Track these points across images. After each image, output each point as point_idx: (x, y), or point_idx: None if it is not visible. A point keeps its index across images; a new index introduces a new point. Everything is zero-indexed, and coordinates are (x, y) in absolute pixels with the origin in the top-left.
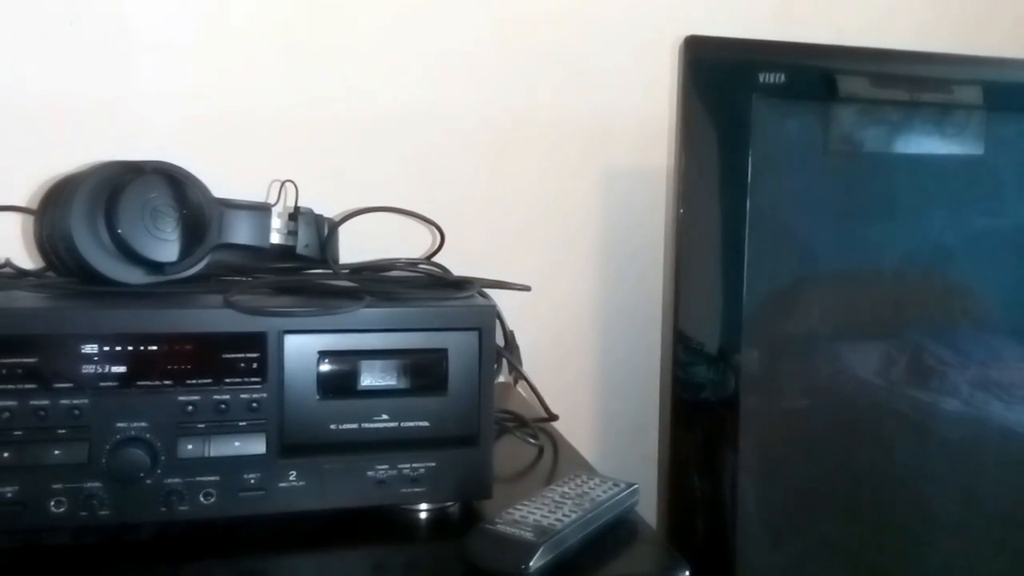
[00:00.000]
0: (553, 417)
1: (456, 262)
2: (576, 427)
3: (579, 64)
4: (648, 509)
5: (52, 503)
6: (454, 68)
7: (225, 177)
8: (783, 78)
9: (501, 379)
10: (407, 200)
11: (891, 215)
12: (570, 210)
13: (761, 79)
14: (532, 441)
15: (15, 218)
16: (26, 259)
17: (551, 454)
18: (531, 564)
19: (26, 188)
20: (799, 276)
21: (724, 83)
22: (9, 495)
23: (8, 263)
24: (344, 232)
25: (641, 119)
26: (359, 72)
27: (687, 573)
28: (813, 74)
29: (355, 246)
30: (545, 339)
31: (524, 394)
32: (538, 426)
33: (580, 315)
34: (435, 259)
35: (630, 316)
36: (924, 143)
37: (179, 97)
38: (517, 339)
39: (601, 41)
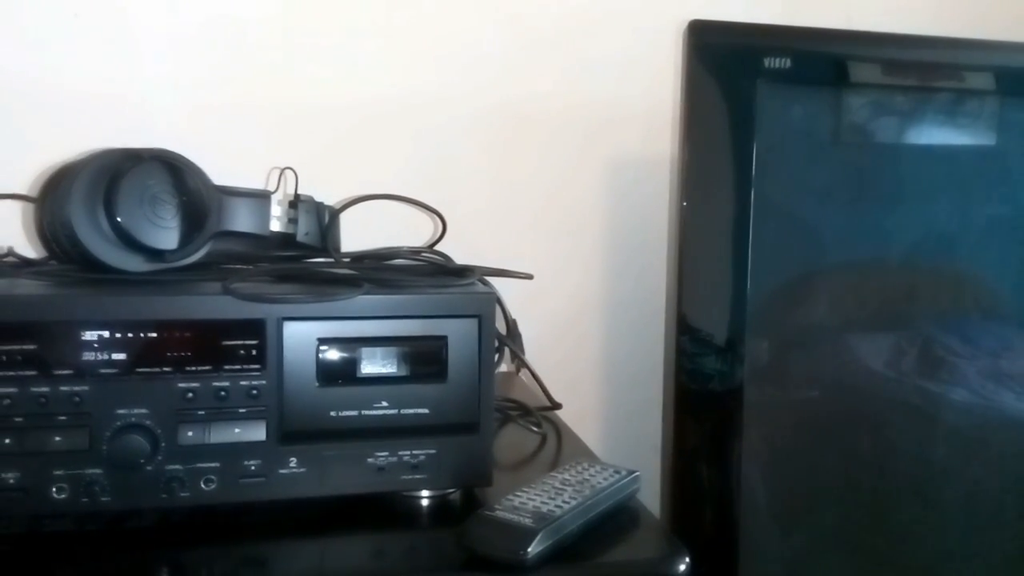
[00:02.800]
0: (556, 405)
1: (461, 251)
2: (580, 416)
3: (585, 51)
4: (652, 497)
5: (53, 489)
6: (458, 56)
7: (225, 165)
8: (788, 63)
9: (504, 368)
10: (411, 189)
11: (900, 204)
12: (576, 199)
13: (766, 64)
14: (535, 429)
15: (18, 207)
16: (29, 248)
17: (554, 442)
18: (529, 550)
19: (29, 176)
20: (805, 266)
21: (729, 68)
22: (11, 481)
23: (11, 252)
24: (347, 221)
25: (649, 107)
26: (361, 60)
27: (687, 560)
28: (819, 59)
29: (358, 235)
30: (550, 328)
31: (528, 382)
32: (542, 414)
33: (585, 304)
34: (438, 248)
35: (635, 305)
36: (934, 130)
37: (180, 86)
38: (522, 328)
39: (608, 28)
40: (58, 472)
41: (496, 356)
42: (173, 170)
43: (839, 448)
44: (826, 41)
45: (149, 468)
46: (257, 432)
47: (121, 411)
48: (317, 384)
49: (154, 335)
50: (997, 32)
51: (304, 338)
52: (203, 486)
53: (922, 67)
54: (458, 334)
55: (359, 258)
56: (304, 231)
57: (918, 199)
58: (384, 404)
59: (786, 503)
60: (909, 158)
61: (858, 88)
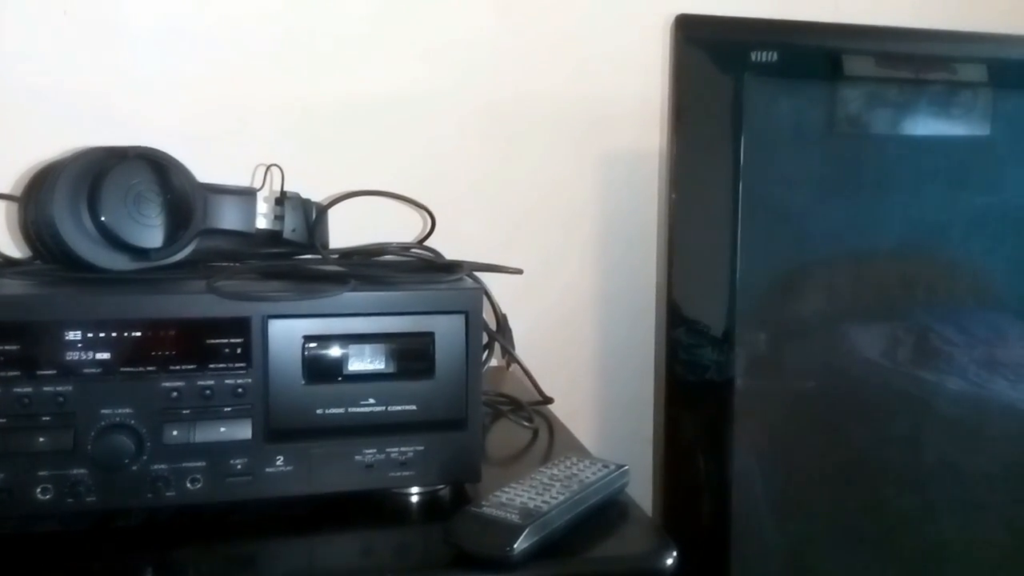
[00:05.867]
0: (548, 400)
1: (452, 248)
2: (573, 410)
3: (574, 47)
4: (645, 491)
5: (38, 490)
6: (448, 52)
7: (210, 162)
8: (775, 56)
9: (494, 363)
10: (401, 186)
11: (890, 195)
12: (566, 194)
13: (753, 58)
14: (527, 424)
15: (2, 206)
16: (13, 247)
17: (546, 437)
18: (515, 546)
19: (13, 175)
20: (797, 257)
21: (716, 62)
22: None
23: None
24: (336, 218)
25: (640, 102)
26: (351, 57)
27: (675, 554)
28: (806, 52)
29: (347, 232)
30: (542, 323)
31: (520, 378)
32: (534, 409)
33: (577, 299)
34: (429, 244)
35: (627, 299)
36: (923, 121)
37: (166, 84)
38: (513, 323)
39: (597, 23)
40: (43, 473)
41: (486, 351)
42: (157, 168)
43: (833, 438)
44: (813, 34)
45: (134, 468)
46: (243, 431)
47: (105, 411)
48: (303, 382)
49: (138, 334)
50: (983, 23)
51: (290, 336)
52: (189, 485)
53: (910, 59)
54: (445, 330)
55: (347, 255)
56: (291, 228)
57: (908, 190)
58: (371, 401)
59: (780, 494)
60: (898, 149)
61: (846, 80)
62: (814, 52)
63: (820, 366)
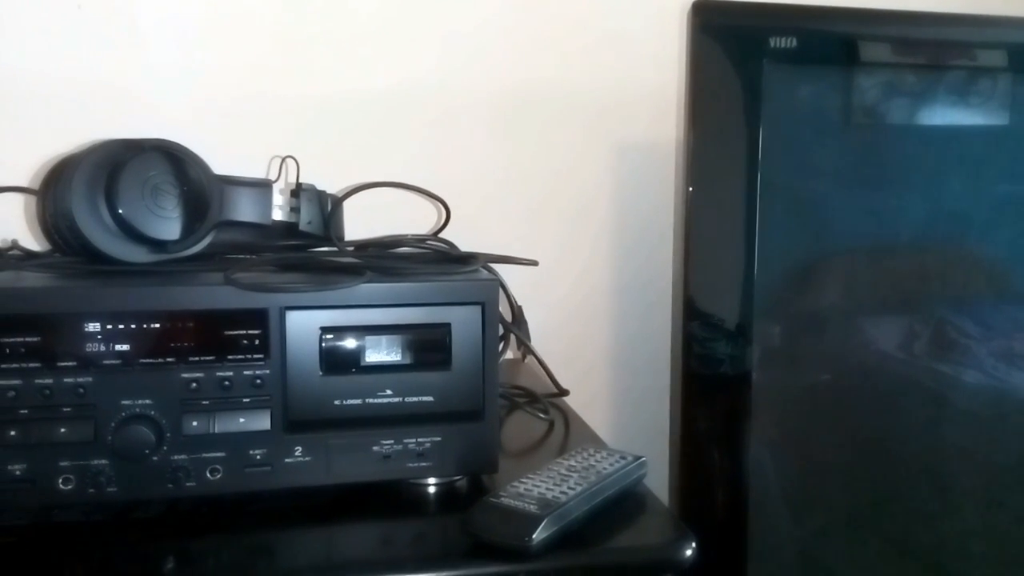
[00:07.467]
0: (563, 392)
1: (466, 239)
2: (588, 402)
3: (589, 35)
4: (661, 483)
5: (60, 480)
6: (461, 41)
7: (226, 154)
8: (794, 43)
9: (510, 355)
10: (415, 177)
11: (910, 185)
12: (581, 185)
13: (772, 44)
14: (542, 416)
15: (21, 199)
16: (33, 240)
17: (562, 428)
18: (534, 536)
19: (32, 169)
20: (815, 249)
21: (734, 49)
22: (17, 473)
23: (15, 245)
24: (351, 209)
25: (654, 90)
26: (363, 47)
27: (693, 545)
28: (826, 38)
29: (363, 223)
30: (557, 315)
31: (535, 369)
32: (549, 401)
33: (592, 290)
34: (443, 235)
35: (642, 290)
36: (945, 110)
37: (181, 76)
38: (528, 315)
39: (612, 11)
40: (64, 463)
41: (501, 343)
42: (174, 160)
43: (850, 431)
44: (833, 19)
45: (155, 458)
46: (262, 421)
47: (126, 402)
48: (321, 373)
49: (157, 326)
50: (1007, 8)
51: (307, 327)
52: (209, 476)
53: (932, 45)
54: (461, 321)
55: (363, 246)
56: (307, 220)
57: (929, 180)
58: (388, 392)
59: (796, 487)
60: (919, 138)
61: (866, 67)
62: (834, 38)
63: (837, 359)
